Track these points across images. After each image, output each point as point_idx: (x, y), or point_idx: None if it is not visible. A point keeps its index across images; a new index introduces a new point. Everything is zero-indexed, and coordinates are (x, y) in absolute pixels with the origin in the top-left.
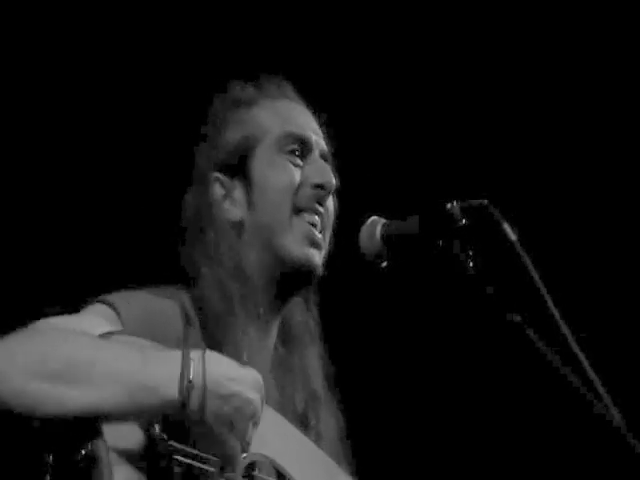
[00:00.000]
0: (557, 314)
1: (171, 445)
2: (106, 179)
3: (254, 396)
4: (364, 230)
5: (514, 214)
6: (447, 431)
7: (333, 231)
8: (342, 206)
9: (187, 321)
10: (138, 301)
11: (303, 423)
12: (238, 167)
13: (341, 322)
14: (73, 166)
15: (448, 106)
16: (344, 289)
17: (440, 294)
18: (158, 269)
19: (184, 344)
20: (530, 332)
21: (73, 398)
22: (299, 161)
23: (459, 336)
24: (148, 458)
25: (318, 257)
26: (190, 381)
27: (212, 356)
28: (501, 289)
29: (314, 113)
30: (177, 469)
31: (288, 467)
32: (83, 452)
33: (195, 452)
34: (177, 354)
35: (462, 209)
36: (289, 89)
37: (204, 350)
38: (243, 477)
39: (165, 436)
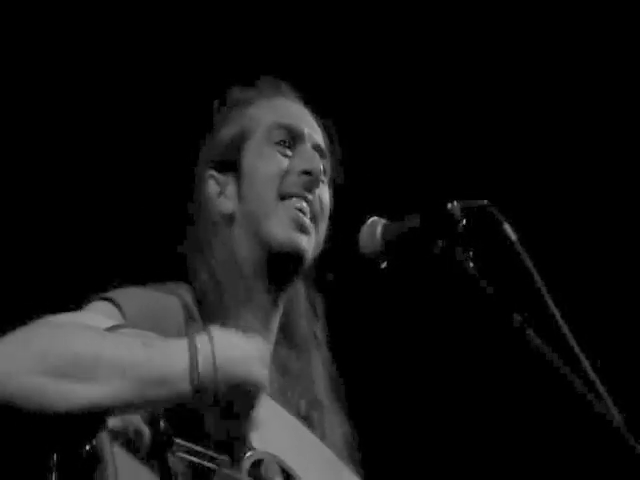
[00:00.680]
0: (558, 314)
1: (177, 442)
2: (107, 178)
3: (261, 372)
4: (364, 230)
5: (514, 214)
6: (447, 431)
7: (333, 231)
8: (342, 206)
9: (189, 316)
10: (140, 298)
11: (306, 426)
12: (232, 162)
13: (341, 322)
14: (74, 166)
15: (448, 106)
16: (344, 289)
17: (440, 294)
18: (160, 266)
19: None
20: (530, 332)
21: (80, 393)
22: (288, 151)
23: (459, 336)
24: (152, 454)
25: (305, 242)
26: (200, 374)
27: (217, 337)
28: (501, 289)
29: (314, 112)
30: (181, 466)
31: (294, 465)
32: (87, 449)
33: (200, 449)
34: (183, 343)
35: (463, 209)
36: (287, 88)
37: (209, 333)
38: (249, 476)
39: (171, 431)
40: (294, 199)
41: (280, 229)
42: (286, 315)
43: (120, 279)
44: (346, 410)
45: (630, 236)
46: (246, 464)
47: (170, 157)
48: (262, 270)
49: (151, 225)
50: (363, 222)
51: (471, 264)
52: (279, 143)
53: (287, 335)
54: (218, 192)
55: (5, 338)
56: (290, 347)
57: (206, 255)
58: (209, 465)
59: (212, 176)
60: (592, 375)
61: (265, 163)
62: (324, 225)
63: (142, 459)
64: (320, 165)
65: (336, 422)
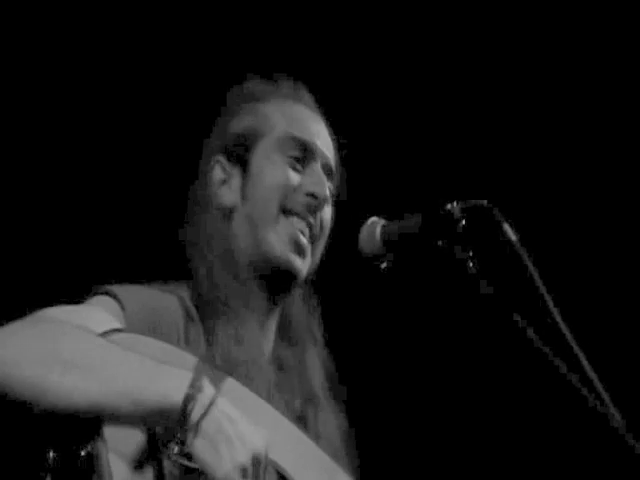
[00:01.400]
0: (557, 314)
1: (171, 446)
2: (107, 175)
3: (259, 439)
4: (364, 230)
5: (514, 214)
6: (448, 431)
7: (333, 232)
8: (342, 206)
9: (188, 316)
10: (141, 296)
11: (301, 424)
12: (240, 155)
13: (341, 323)
14: (73, 159)
15: (448, 107)
16: (344, 290)
17: (440, 294)
18: (159, 263)
19: (186, 339)
20: (530, 332)
21: (79, 391)
22: (299, 166)
23: (459, 336)
24: (148, 459)
25: (300, 263)
26: (200, 386)
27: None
28: (501, 289)
29: (328, 123)
30: (176, 470)
31: (288, 468)
32: (83, 453)
33: (189, 464)
34: (189, 373)
35: (462, 209)
36: (305, 94)
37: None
38: None
39: (166, 436)
40: (296, 218)
41: (278, 245)
42: (283, 313)
43: (120, 276)
44: (343, 406)
45: (630, 236)
46: None
47: (171, 150)
48: (258, 274)
49: (152, 218)
50: (363, 222)
51: (471, 264)
52: (291, 157)
53: (284, 332)
54: (222, 180)
55: (8, 327)
56: (287, 344)
57: (205, 248)
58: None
59: (219, 162)
60: (592, 375)
61: (274, 171)
62: (322, 244)
63: (137, 464)
64: (327, 190)
65: (331, 417)
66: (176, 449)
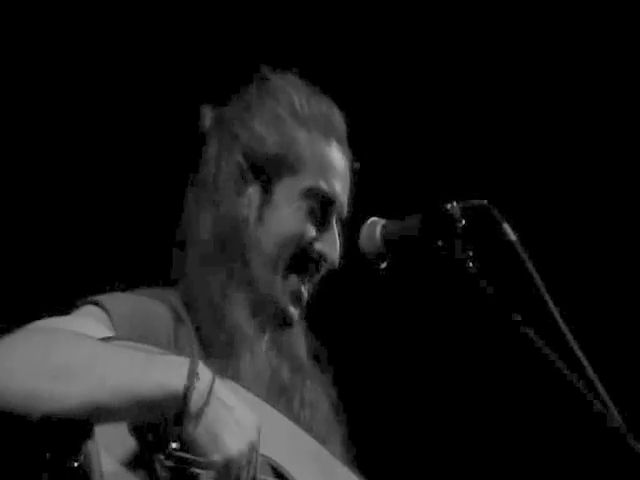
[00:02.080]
0: (557, 314)
1: (164, 448)
2: (102, 180)
3: (255, 423)
4: (364, 230)
5: (514, 214)
6: (448, 431)
7: None
8: None
9: (178, 321)
10: (128, 302)
11: (289, 391)
12: (265, 176)
13: (341, 323)
14: (68, 162)
15: (448, 107)
16: (344, 290)
17: (440, 295)
18: (148, 266)
19: (176, 343)
20: (530, 332)
21: (73, 395)
22: (318, 219)
23: (459, 336)
24: (140, 462)
25: (298, 314)
26: (197, 373)
27: (219, 382)
28: (501, 289)
29: (351, 159)
30: (169, 473)
31: (285, 464)
32: (75, 464)
33: (188, 456)
34: (185, 359)
35: (462, 209)
36: (339, 124)
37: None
38: None
39: (157, 439)
40: (303, 275)
41: (281, 297)
42: None
43: (110, 283)
44: (329, 376)
45: (630, 236)
46: None
47: (170, 155)
48: (256, 301)
49: (143, 223)
50: (363, 222)
51: (471, 264)
52: (314, 207)
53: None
54: (239, 181)
55: (1, 342)
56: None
57: (211, 250)
58: (197, 471)
59: (239, 164)
60: (592, 375)
61: (295, 218)
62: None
63: (130, 467)
64: (338, 257)
65: (318, 384)
66: (174, 445)
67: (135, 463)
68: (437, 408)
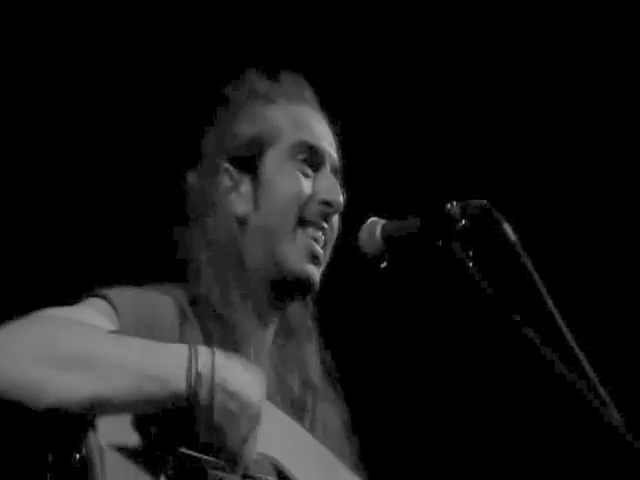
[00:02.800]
0: (557, 314)
1: (168, 445)
2: (100, 175)
3: (257, 398)
4: (364, 230)
5: (514, 214)
6: (448, 431)
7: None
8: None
9: (184, 317)
10: (134, 297)
11: (300, 408)
12: (248, 162)
13: (341, 323)
14: (66, 160)
15: (448, 106)
16: (344, 290)
17: (440, 294)
18: (152, 264)
19: (181, 339)
20: (530, 332)
21: (79, 385)
22: (309, 171)
23: (459, 336)
24: (145, 459)
25: (317, 273)
26: (199, 373)
27: (220, 352)
28: (501, 289)
29: (330, 122)
30: (172, 469)
31: (287, 464)
32: (77, 457)
33: (192, 453)
34: (184, 347)
35: (462, 209)
36: (309, 92)
37: (211, 348)
38: (241, 477)
39: (162, 436)
40: (312, 228)
41: (295, 257)
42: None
43: (116, 278)
44: (342, 395)
45: (630, 236)
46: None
47: (167, 153)
48: (270, 284)
49: (147, 219)
50: (363, 222)
51: (470, 264)
52: (301, 161)
53: (281, 325)
54: (231, 187)
55: (6, 327)
56: (283, 335)
57: (213, 248)
58: (205, 467)
59: (227, 170)
60: (591, 375)
61: (287, 181)
62: (331, 248)
63: (133, 461)
64: (341, 197)
65: (331, 404)
66: (179, 442)
67: (139, 457)
68: (437, 408)
